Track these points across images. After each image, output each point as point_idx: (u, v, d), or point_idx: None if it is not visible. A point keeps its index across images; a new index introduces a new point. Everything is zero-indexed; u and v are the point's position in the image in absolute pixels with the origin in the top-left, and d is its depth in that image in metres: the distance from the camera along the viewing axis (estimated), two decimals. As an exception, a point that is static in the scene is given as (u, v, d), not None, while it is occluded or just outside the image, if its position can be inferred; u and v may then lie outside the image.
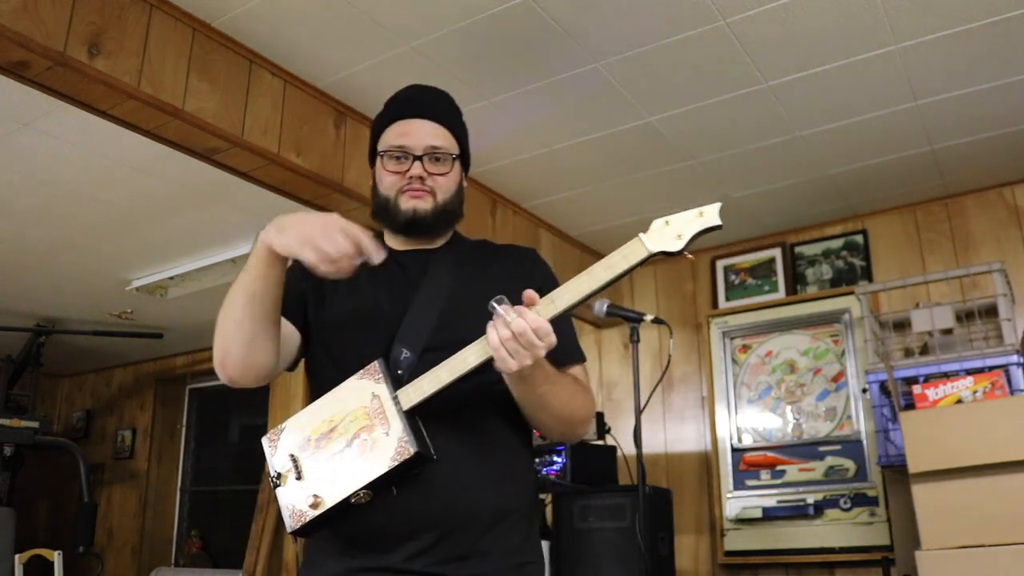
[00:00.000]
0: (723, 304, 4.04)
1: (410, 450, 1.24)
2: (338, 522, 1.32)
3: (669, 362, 3.81)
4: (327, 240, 1.23)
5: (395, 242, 1.56)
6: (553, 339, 1.22)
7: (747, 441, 3.79)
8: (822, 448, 3.60)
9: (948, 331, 3.22)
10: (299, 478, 1.32)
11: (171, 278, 4.25)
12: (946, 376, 2.90)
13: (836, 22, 2.45)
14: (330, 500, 1.28)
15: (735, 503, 3.70)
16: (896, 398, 3.00)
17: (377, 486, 1.27)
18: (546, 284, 1.35)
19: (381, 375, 1.31)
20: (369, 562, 1.32)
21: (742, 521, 3.65)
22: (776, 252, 3.97)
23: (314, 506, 1.29)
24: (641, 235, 1.23)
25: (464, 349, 1.26)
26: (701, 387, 4.02)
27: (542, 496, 3.37)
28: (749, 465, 3.74)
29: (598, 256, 4.25)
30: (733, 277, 4.05)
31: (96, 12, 2.15)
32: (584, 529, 3.18)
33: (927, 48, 2.57)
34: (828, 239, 3.87)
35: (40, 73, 2.11)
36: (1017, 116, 2.99)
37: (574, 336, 1.54)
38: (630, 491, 3.13)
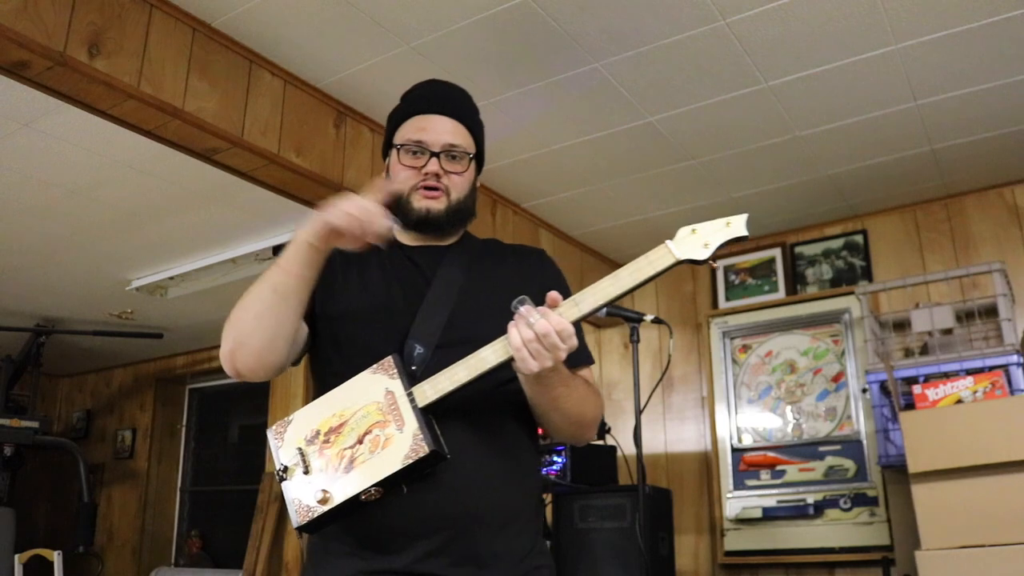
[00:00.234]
0: (723, 304, 4.04)
1: (425, 448, 1.22)
2: (345, 519, 1.29)
3: (669, 362, 3.81)
4: (347, 203, 1.25)
5: (406, 237, 1.54)
6: (575, 342, 1.21)
7: (747, 441, 3.79)
8: (822, 448, 3.60)
9: (948, 331, 3.22)
10: (306, 472, 1.29)
11: (171, 278, 4.25)
12: (946, 376, 2.90)
13: (836, 22, 2.45)
14: (339, 496, 1.25)
15: (735, 503, 3.70)
16: (896, 398, 3.00)
17: (389, 484, 1.24)
18: (555, 285, 1.34)
19: (395, 371, 1.29)
20: (378, 564, 1.30)
21: (742, 521, 3.65)
22: (776, 252, 3.97)
23: (322, 502, 1.26)
24: (668, 242, 1.23)
25: (483, 348, 1.25)
26: (701, 387, 4.02)
27: (543, 496, 3.37)
28: (749, 465, 3.74)
29: (598, 256, 4.27)
30: (733, 277, 4.05)
31: (96, 12, 2.15)
32: (584, 529, 3.18)
33: (927, 48, 2.57)
34: (828, 239, 3.87)
35: (40, 73, 2.11)
36: (1017, 116, 2.99)
37: (583, 338, 1.54)
38: (630, 491, 3.13)
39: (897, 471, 3.07)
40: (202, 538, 5.72)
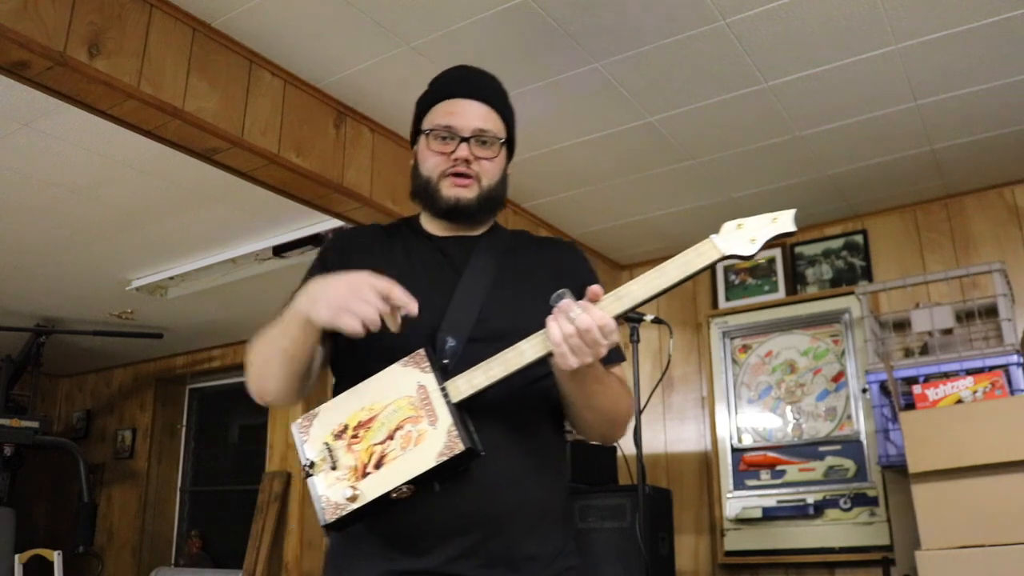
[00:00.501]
0: (723, 304, 4.04)
1: (461, 445, 1.18)
2: (374, 518, 1.25)
3: (669, 362, 3.81)
4: (359, 303, 1.19)
5: (434, 227, 1.50)
6: (617, 337, 1.18)
7: (747, 441, 3.79)
8: (822, 448, 3.60)
9: (948, 331, 3.22)
10: (334, 468, 1.25)
11: (171, 278, 4.25)
12: (946, 376, 2.90)
13: (836, 22, 2.45)
14: (369, 494, 1.21)
15: (735, 503, 3.70)
16: (896, 398, 3.00)
17: (421, 482, 1.20)
18: (586, 279, 1.30)
19: (428, 364, 1.24)
20: (406, 564, 1.25)
21: (742, 521, 3.65)
22: (776, 252, 3.97)
23: (351, 499, 1.21)
24: (713, 236, 1.20)
25: (520, 342, 1.21)
26: (701, 387, 4.02)
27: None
28: (749, 465, 3.74)
29: (598, 256, 4.27)
30: (733, 277, 4.05)
31: (96, 12, 2.15)
32: (584, 529, 3.18)
33: (927, 48, 2.57)
34: (828, 239, 3.87)
35: (40, 73, 2.11)
36: (1017, 116, 2.99)
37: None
38: (630, 491, 3.13)
39: (897, 471, 3.07)
40: (202, 538, 5.73)
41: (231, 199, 3.42)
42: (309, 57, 2.63)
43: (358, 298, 1.19)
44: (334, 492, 1.24)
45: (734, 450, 3.79)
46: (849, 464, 3.52)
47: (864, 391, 3.49)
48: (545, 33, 2.48)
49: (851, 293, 3.60)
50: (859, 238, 3.81)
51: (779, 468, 3.66)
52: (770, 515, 3.58)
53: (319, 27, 2.48)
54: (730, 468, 3.77)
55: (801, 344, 3.78)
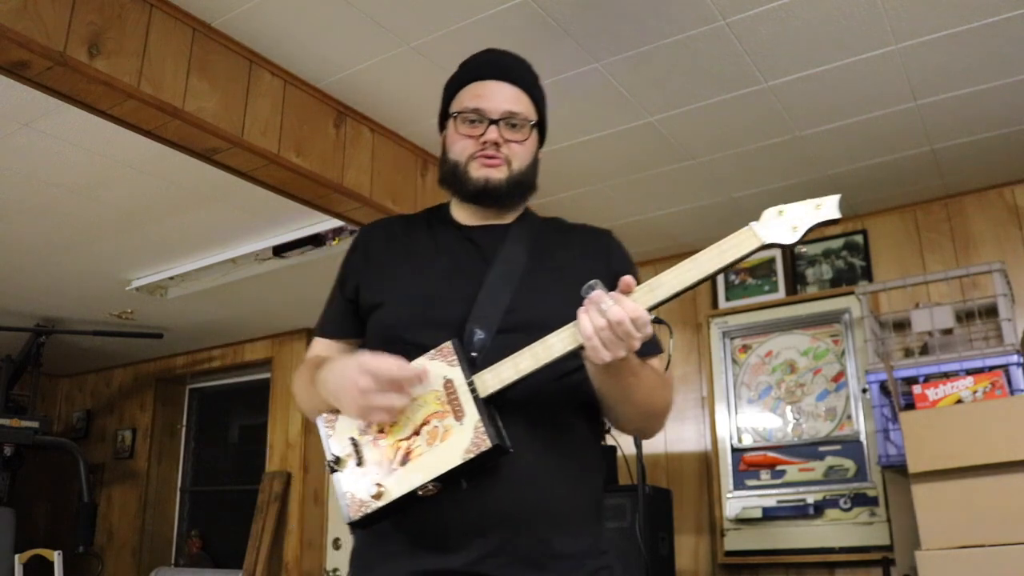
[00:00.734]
0: (723, 304, 4.04)
1: (488, 442, 1.14)
2: (400, 515, 1.22)
3: (669, 362, 3.80)
4: (377, 413, 1.19)
5: (464, 215, 1.46)
6: (650, 330, 1.13)
7: (747, 441, 3.79)
8: (822, 448, 3.60)
9: (948, 331, 3.22)
10: (360, 464, 1.23)
11: (171, 278, 4.25)
12: (946, 376, 2.90)
13: (836, 22, 2.45)
14: (395, 491, 1.18)
15: (735, 503, 3.70)
16: (896, 398, 3.01)
17: (448, 479, 1.17)
18: (623, 269, 1.26)
19: (455, 357, 1.20)
20: (432, 563, 1.22)
21: (742, 521, 3.65)
22: (776, 252, 3.96)
23: (376, 496, 1.19)
24: (753, 224, 1.15)
25: (550, 335, 1.17)
26: (701, 387, 4.02)
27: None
28: (749, 465, 3.74)
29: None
30: (733, 277, 4.05)
31: (96, 12, 2.15)
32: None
33: (927, 48, 2.57)
34: (828, 239, 3.87)
35: (40, 73, 2.11)
36: (1017, 116, 2.99)
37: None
38: (630, 491, 3.13)
39: (897, 471, 3.07)
40: (202, 538, 5.73)
41: (231, 199, 3.42)
42: (309, 57, 2.63)
43: (372, 399, 1.18)
44: (359, 489, 1.21)
45: (734, 450, 3.79)
46: (849, 464, 3.52)
47: (864, 391, 3.49)
48: (545, 33, 2.48)
49: (851, 293, 3.60)
50: (859, 238, 3.81)
51: (779, 468, 3.66)
52: (770, 515, 3.58)
53: (319, 27, 2.48)
54: (730, 468, 3.77)
55: (801, 344, 3.78)
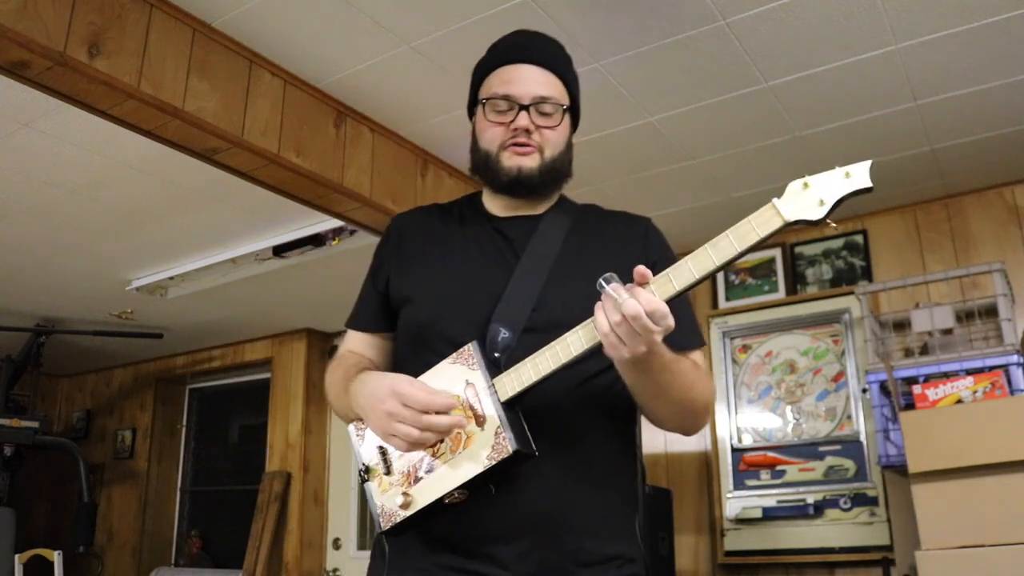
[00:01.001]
0: (723, 304, 4.04)
1: (509, 448, 1.11)
2: (428, 522, 1.21)
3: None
4: (398, 441, 1.18)
5: (496, 206, 1.41)
6: (671, 322, 1.06)
7: (747, 441, 3.79)
8: (822, 448, 3.60)
9: (948, 331, 3.22)
10: (388, 473, 1.22)
11: (171, 278, 4.25)
12: (946, 376, 2.90)
13: (836, 22, 2.44)
14: (422, 500, 1.18)
15: (735, 503, 3.70)
16: (896, 398, 3.01)
17: (473, 486, 1.15)
18: (661, 259, 1.22)
19: (476, 360, 1.17)
20: (457, 564, 1.21)
21: (742, 521, 3.65)
22: (776, 252, 3.97)
23: (405, 506, 1.18)
24: (775, 201, 1.06)
25: (568, 333, 1.13)
26: (701, 387, 4.02)
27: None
28: (749, 465, 3.74)
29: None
30: (733, 277, 4.05)
31: (96, 12, 2.15)
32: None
33: (927, 48, 2.57)
34: (828, 239, 3.87)
35: (40, 73, 2.11)
36: (1017, 116, 2.99)
37: (693, 317, 1.37)
38: (630, 491, 3.12)
39: (897, 471, 3.07)
40: (202, 538, 5.73)
41: (231, 199, 3.42)
42: (309, 57, 2.63)
43: (396, 432, 1.17)
44: (388, 499, 1.21)
45: (734, 450, 3.79)
46: (849, 464, 3.52)
47: (864, 391, 3.49)
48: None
49: (851, 293, 3.60)
50: (859, 238, 3.81)
51: (779, 468, 3.66)
52: (770, 515, 3.58)
53: (319, 27, 2.48)
54: (730, 468, 3.77)
55: (801, 344, 3.78)
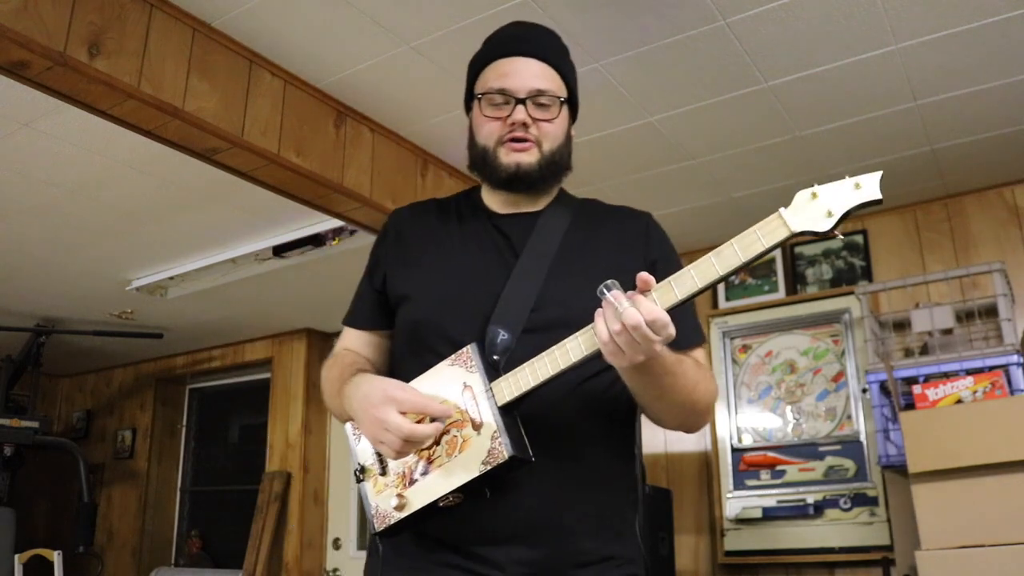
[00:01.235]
0: (723, 304, 4.05)
1: (504, 454, 1.10)
2: (423, 524, 1.21)
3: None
4: (387, 449, 1.16)
5: (494, 201, 1.39)
6: (672, 331, 1.04)
7: (747, 441, 3.79)
8: (822, 448, 3.60)
9: (948, 331, 3.22)
10: (383, 474, 1.21)
11: (171, 278, 4.25)
12: (946, 376, 2.90)
13: (836, 22, 2.44)
14: (416, 503, 1.17)
15: (735, 503, 3.70)
16: (896, 398, 3.00)
17: (468, 490, 1.14)
18: (662, 256, 1.19)
19: (474, 363, 1.16)
20: (457, 562, 1.20)
21: (742, 521, 3.65)
22: (776, 252, 3.96)
23: (399, 508, 1.18)
24: (782, 210, 1.03)
25: (567, 339, 1.11)
26: (701, 387, 4.02)
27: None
28: (749, 465, 3.74)
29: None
30: (733, 277, 4.05)
31: (96, 12, 2.15)
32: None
33: (927, 48, 2.57)
34: (828, 239, 3.87)
35: (40, 73, 2.11)
36: (1017, 116, 2.99)
37: (695, 315, 1.34)
38: (630, 491, 3.12)
39: (897, 471, 3.07)
40: (202, 538, 5.73)
41: (231, 199, 3.42)
42: (309, 57, 2.63)
43: (383, 439, 1.15)
44: (383, 500, 1.20)
45: (734, 450, 3.79)
46: (849, 464, 3.52)
47: (864, 391, 3.49)
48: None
49: (851, 293, 3.60)
50: (859, 238, 3.81)
51: (779, 468, 3.66)
52: (770, 515, 3.58)
53: (319, 27, 2.48)
54: (730, 468, 3.77)
55: (801, 344, 3.78)
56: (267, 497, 5.07)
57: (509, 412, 1.15)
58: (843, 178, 1.04)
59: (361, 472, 1.24)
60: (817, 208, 1.03)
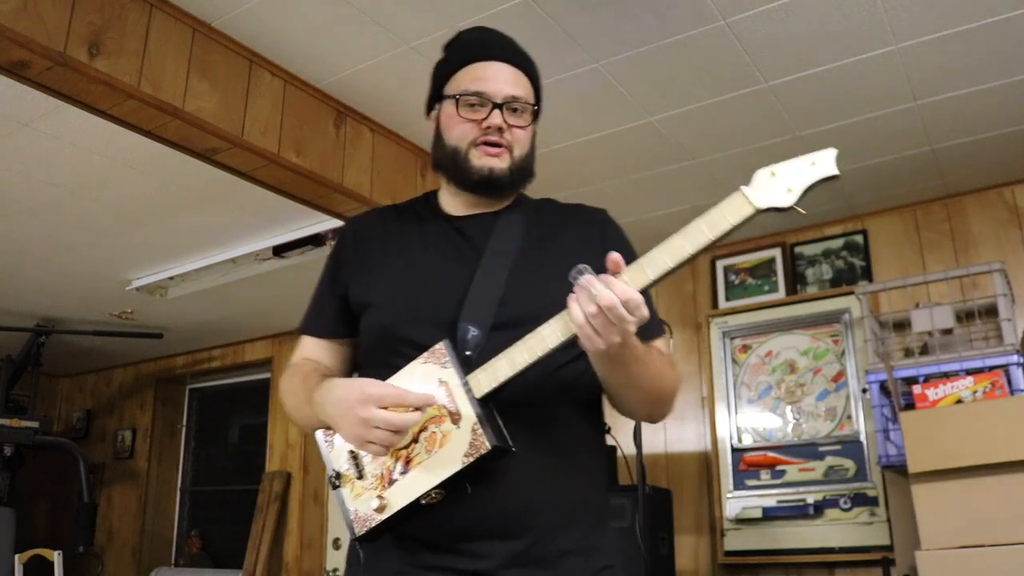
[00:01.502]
0: (723, 304, 4.04)
1: (487, 444, 1.10)
2: (404, 526, 1.20)
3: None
4: (374, 447, 1.15)
5: (454, 204, 1.40)
6: (645, 312, 1.06)
7: (747, 441, 3.79)
8: (822, 448, 3.60)
9: (948, 331, 3.22)
10: (361, 477, 1.20)
11: (171, 278, 4.25)
12: (946, 376, 2.90)
13: (836, 22, 2.45)
14: (397, 502, 1.15)
15: (735, 503, 3.70)
16: (896, 398, 3.01)
17: (450, 485, 1.13)
18: (619, 249, 1.19)
19: (448, 358, 1.16)
20: (434, 562, 1.20)
21: (742, 521, 3.65)
22: (776, 252, 3.97)
23: (379, 509, 1.16)
24: (744, 189, 1.08)
25: (542, 326, 1.12)
26: (701, 387, 4.02)
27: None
28: (749, 465, 3.74)
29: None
30: (733, 277, 4.05)
31: (96, 12, 2.16)
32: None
33: (927, 48, 2.57)
34: (828, 239, 3.87)
35: (40, 73, 2.11)
36: (1017, 116, 2.99)
37: (654, 308, 1.35)
38: (630, 491, 3.13)
39: (897, 471, 3.07)
40: (202, 538, 5.73)
41: (231, 199, 3.42)
42: (309, 57, 2.63)
43: (373, 428, 1.14)
44: (362, 504, 1.19)
45: (734, 450, 3.79)
46: (849, 464, 3.52)
47: (864, 391, 3.49)
48: (545, 33, 2.48)
49: (851, 293, 3.60)
50: (859, 238, 3.81)
51: (779, 468, 3.66)
52: (770, 515, 3.58)
53: (319, 27, 2.48)
54: (730, 468, 3.77)
55: (801, 344, 3.78)
56: (267, 497, 5.07)
57: (487, 404, 1.15)
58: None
59: (337, 478, 1.22)
60: (777, 185, 1.08)
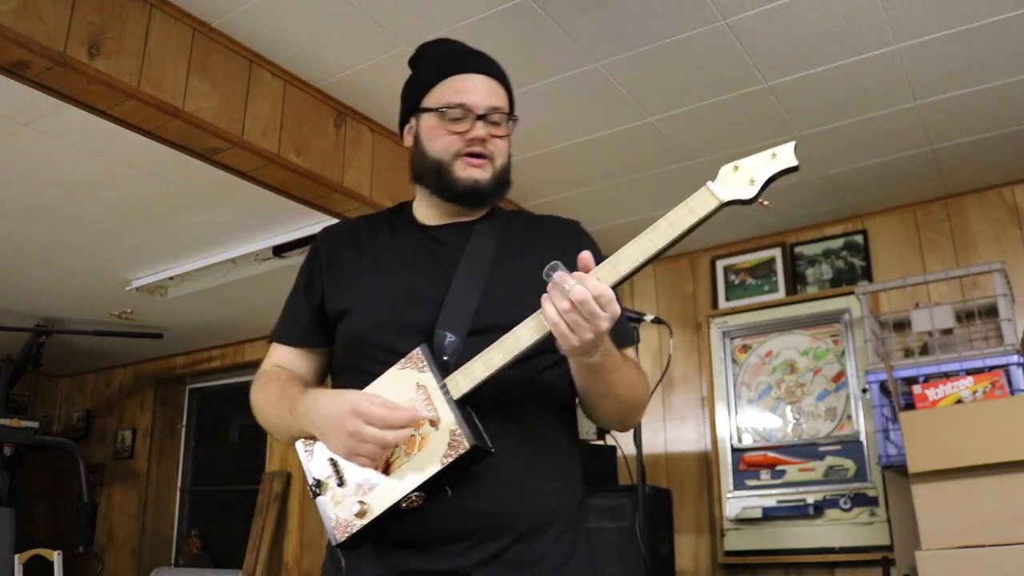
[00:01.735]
0: (723, 304, 4.04)
1: (465, 444, 1.11)
2: (385, 531, 1.20)
3: (669, 362, 3.81)
4: (365, 460, 1.17)
5: (429, 214, 1.42)
6: (617, 308, 1.09)
7: (747, 441, 3.79)
8: (822, 448, 3.60)
9: (948, 331, 3.22)
10: (341, 484, 1.20)
11: (171, 278, 4.25)
12: (946, 376, 2.90)
13: (836, 22, 2.45)
14: (378, 507, 1.16)
15: (735, 503, 3.70)
16: (896, 398, 3.01)
17: (430, 487, 1.14)
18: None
19: (425, 363, 1.17)
20: (413, 564, 1.21)
21: (742, 521, 3.65)
22: (776, 252, 3.97)
23: (360, 515, 1.17)
24: (709, 184, 1.12)
25: (518, 326, 1.14)
26: (701, 387, 4.02)
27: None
28: (749, 465, 3.74)
29: (597, 255, 4.26)
30: (733, 277, 4.05)
31: (96, 12, 2.16)
32: (584, 529, 3.18)
33: (927, 48, 2.57)
34: (828, 239, 3.87)
35: (40, 73, 2.11)
36: (1017, 116, 2.99)
37: (625, 319, 1.39)
38: (630, 491, 3.13)
39: (897, 471, 3.07)
40: (202, 538, 5.73)
41: (231, 199, 3.42)
42: (309, 57, 2.63)
43: (361, 451, 1.15)
44: (343, 510, 1.19)
45: (734, 450, 3.79)
46: (849, 464, 3.52)
47: (864, 391, 3.49)
48: (545, 33, 2.48)
49: (851, 293, 3.60)
50: (859, 238, 3.81)
51: (779, 468, 3.66)
52: (770, 515, 3.58)
53: (319, 27, 2.48)
54: (730, 468, 3.77)
55: (801, 344, 3.78)
56: (267, 497, 5.07)
57: (465, 406, 1.17)
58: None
59: (317, 487, 1.23)
60: (740, 178, 1.12)
